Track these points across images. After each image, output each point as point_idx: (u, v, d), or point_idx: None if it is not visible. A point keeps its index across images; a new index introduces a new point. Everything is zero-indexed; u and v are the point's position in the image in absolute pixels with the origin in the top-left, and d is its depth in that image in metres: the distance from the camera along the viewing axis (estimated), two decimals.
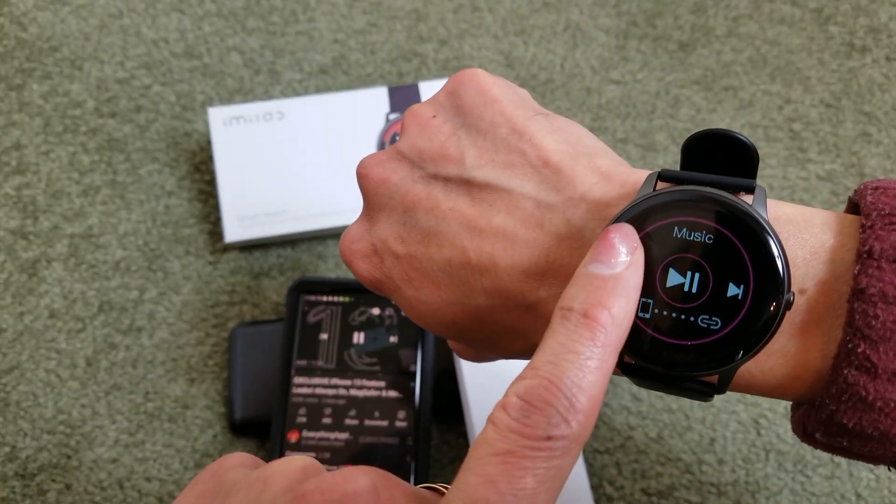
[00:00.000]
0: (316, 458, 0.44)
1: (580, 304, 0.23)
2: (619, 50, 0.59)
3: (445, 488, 0.25)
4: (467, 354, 0.35)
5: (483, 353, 0.34)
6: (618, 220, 0.25)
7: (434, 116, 0.31)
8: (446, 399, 0.46)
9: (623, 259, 0.24)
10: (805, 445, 0.46)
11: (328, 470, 0.25)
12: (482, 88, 0.31)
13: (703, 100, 0.57)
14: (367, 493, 0.22)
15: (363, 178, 0.32)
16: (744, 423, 0.46)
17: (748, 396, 0.47)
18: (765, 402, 0.47)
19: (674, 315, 0.24)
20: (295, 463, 0.24)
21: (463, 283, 0.29)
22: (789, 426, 0.46)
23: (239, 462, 0.26)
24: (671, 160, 0.55)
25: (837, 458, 0.45)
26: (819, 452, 0.46)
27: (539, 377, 0.22)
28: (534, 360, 0.22)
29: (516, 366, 0.44)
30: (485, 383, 0.44)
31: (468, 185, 0.29)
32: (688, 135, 0.56)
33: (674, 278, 0.24)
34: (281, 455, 0.44)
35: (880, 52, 0.58)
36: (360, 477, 0.23)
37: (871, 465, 0.45)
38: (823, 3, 0.60)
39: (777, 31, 0.59)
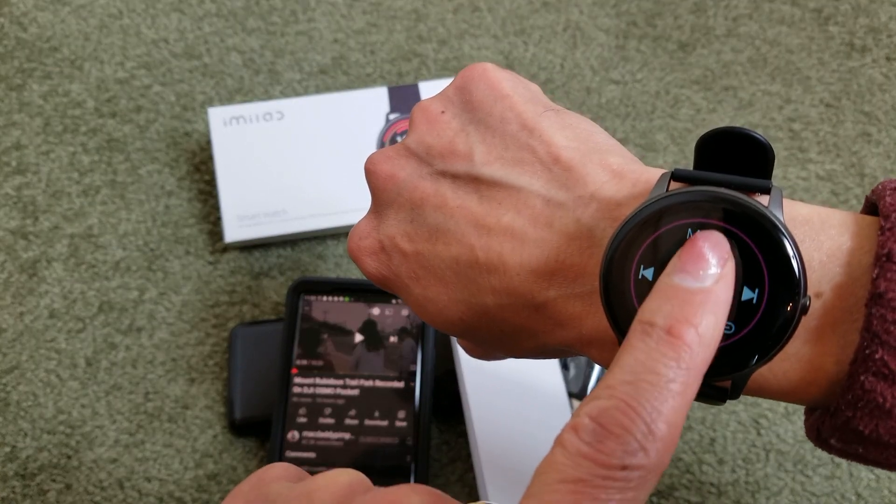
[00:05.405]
0: (315, 458, 0.44)
1: (664, 319, 0.21)
2: (619, 50, 0.59)
3: None
4: (476, 352, 0.35)
5: (491, 351, 0.33)
6: (630, 220, 0.24)
7: (443, 112, 0.31)
8: (446, 399, 0.46)
9: (713, 271, 0.21)
10: (805, 445, 0.46)
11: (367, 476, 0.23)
12: (492, 83, 0.30)
13: (702, 100, 0.57)
14: None
15: (371, 173, 0.31)
16: (744, 423, 0.46)
17: (748, 396, 0.47)
18: (765, 402, 0.47)
19: None
20: (341, 477, 0.23)
21: (471, 281, 0.28)
22: (789, 426, 0.46)
23: (282, 474, 0.25)
24: (671, 160, 0.55)
25: (837, 458, 0.45)
26: (819, 452, 0.46)
27: (615, 398, 0.20)
28: (608, 377, 0.20)
29: (518, 365, 0.44)
30: (485, 383, 0.44)
31: (476, 182, 0.28)
32: (687, 135, 0.56)
33: None
34: (281, 455, 0.44)
35: (880, 51, 0.58)
36: (412, 496, 0.21)
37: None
38: (823, 3, 0.60)
39: (777, 30, 0.59)
